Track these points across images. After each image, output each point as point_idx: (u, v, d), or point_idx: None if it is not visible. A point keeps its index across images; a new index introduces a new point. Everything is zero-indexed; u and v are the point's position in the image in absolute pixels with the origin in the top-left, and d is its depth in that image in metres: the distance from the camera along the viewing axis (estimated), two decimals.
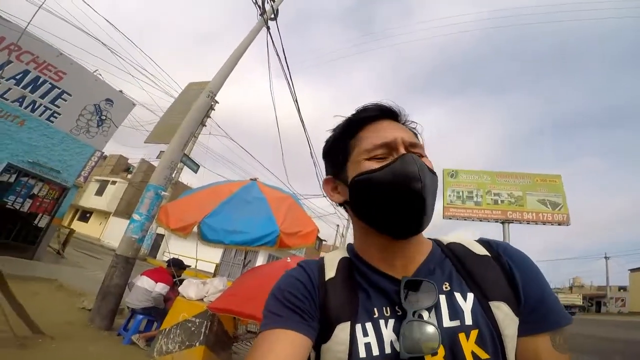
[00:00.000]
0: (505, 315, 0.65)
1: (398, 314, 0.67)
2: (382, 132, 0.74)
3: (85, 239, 23.53)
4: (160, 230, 22.52)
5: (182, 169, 15.48)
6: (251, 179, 5.43)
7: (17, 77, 8.74)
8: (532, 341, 0.65)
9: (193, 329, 4.08)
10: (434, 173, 0.72)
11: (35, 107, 9.23)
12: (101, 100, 10.93)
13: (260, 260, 21.28)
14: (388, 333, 0.65)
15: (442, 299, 0.67)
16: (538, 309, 0.68)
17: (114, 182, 30.73)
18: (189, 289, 4.38)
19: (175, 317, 4.25)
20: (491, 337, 0.63)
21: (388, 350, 0.63)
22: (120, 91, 11.84)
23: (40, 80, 9.28)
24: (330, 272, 0.76)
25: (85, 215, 31.66)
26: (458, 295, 0.68)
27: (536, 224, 19.32)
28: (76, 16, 10.97)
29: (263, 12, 7.86)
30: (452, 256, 0.76)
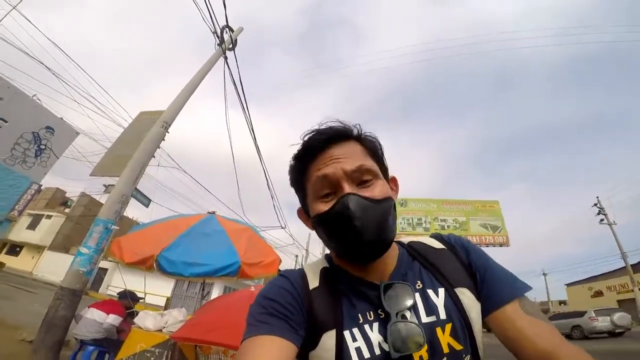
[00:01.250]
0: (469, 300, 0.74)
1: (381, 316, 0.72)
2: (324, 169, 0.74)
3: (15, 272, 22.23)
4: (103, 264, 21.36)
5: (128, 202, 14.74)
6: (209, 212, 5.36)
7: None
8: (502, 313, 0.72)
9: (152, 359, 3.99)
10: (380, 201, 0.73)
11: None
12: (41, 128, 10.11)
13: (216, 292, 20.80)
14: (375, 336, 0.69)
15: (417, 296, 0.74)
16: (493, 284, 0.76)
17: (49, 216, 29.72)
18: (146, 320, 4.26)
19: (132, 347, 4.11)
20: (462, 327, 0.71)
21: (377, 351, 0.67)
22: (61, 118, 11.00)
23: None
24: (314, 282, 0.79)
25: (14, 249, 29.99)
26: (431, 292, 0.75)
27: (480, 246, 20.82)
28: (13, 32, 10.01)
29: (221, 42, 7.92)
30: (416, 254, 0.84)
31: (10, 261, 25.96)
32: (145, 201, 12.64)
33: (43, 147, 10.26)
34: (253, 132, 9.35)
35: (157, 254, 4.11)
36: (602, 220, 25.36)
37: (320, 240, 0.83)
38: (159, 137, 6.71)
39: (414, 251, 0.85)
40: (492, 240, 22.22)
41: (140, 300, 6.19)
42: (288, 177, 0.88)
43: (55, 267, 20.97)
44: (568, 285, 36.35)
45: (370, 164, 0.77)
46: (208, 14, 7.04)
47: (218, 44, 7.89)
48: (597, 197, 25.97)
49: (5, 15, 5.54)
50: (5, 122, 9.14)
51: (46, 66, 10.44)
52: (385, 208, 0.74)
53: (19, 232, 28.62)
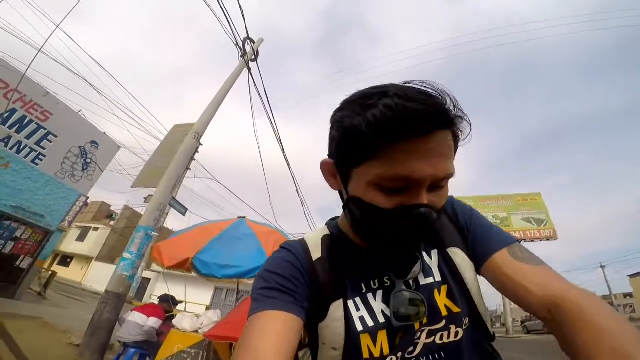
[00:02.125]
0: (462, 260, 0.74)
1: (386, 285, 0.72)
2: (411, 164, 0.56)
3: (66, 282, 23.36)
4: (146, 274, 22.33)
5: (167, 214, 15.32)
6: (239, 217, 5.57)
7: (4, 115, 8.41)
8: (491, 262, 0.70)
9: (189, 359, 4.10)
10: (440, 212, 0.65)
11: (21, 148, 9.00)
12: (86, 143, 10.80)
13: None
14: (377, 305, 0.70)
15: (420, 263, 0.73)
16: (480, 236, 0.76)
17: (95, 229, 31.17)
18: (183, 321, 4.43)
19: (169, 348, 4.25)
20: (458, 288, 0.71)
21: (381, 319, 0.69)
22: (104, 133, 11.68)
23: (27, 120, 9.05)
24: (316, 253, 0.78)
25: (65, 260, 31.47)
26: (425, 255, 0.76)
27: (525, 241, 19.77)
28: (59, 51, 10.60)
29: (244, 53, 8.19)
30: None
31: (62, 271, 27.00)
32: (182, 210, 13.11)
33: (89, 160, 10.89)
34: (280, 141, 9.43)
35: (192, 257, 4.31)
36: None
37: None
38: (192, 147, 7.07)
39: None
40: (538, 235, 21.14)
41: (180, 307, 6.42)
42: (332, 123, 0.70)
43: (102, 277, 21.93)
44: (631, 276, 33.76)
45: (453, 165, 0.62)
46: (229, 27, 7.35)
47: (241, 56, 8.15)
48: None
49: (50, 35, 5.97)
50: (56, 137, 9.81)
51: (89, 83, 10.93)
52: (440, 215, 0.67)
53: (69, 244, 30.17)
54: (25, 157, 9.16)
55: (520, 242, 0.73)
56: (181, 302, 6.21)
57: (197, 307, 14.70)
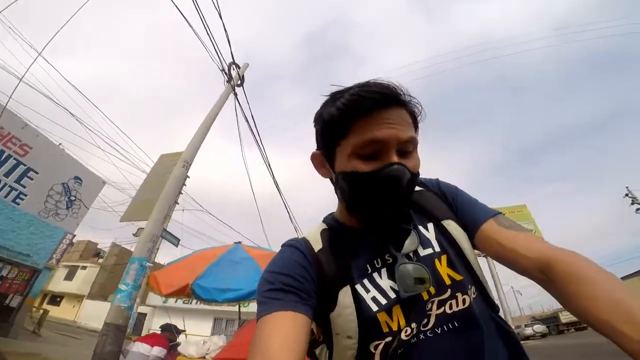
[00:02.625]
0: (456, 230, 0.79)
1: (388, 262, 0.75)
2: (378, 128, 0.69)
3: (59, 321, 22.94)
4: (142, 309, 21.77)
5: (157, 249, 14.99)
6: (235, 243, 5.54)
7: None
8: (481, 233, 0.77)
9: None
10: (415, 174, 0.73)
11: (0, 186, 8.61)
12: (70, 179, 10.48)
13: None
14: (385, 282, 0.73)
15: (413, 233, 0.77)
16: (467, 210, 0.83)
17: (84, 267, 31.00)
18: (189, 348, 4.46)
19: None
20: (457, 257, 0.75)
21: (392, 295, 0.71)
22: (87, 169, 11.35)
23: (4, 155, 8.61)
24: (317, 245, 0.81)
25: (55, 299, 31.11)
26: (422, 228, 0.80)
27: None
28: (39, 80, 10.02)
29: (230, 78, 8.12)
30: None
31: (53, 310, 26.85)
32: (175, 240, 12.94)
33: (73, 198, 10.55)
34: (270, 166, 9.27)
35: (192, 283, 4.29)
36: (638, 209, 24.24)
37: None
38: (181, 176, 6.93)
39: None
40: None
41: (181, 338, 6.32)
42: (314, 120, 0.83)
43: (96, 314, 21.52)
44: (622, 278, 34.63)
45: (414, 135, 0.74)
46: (215, 52, 7.28)
47: (227, 81, 8.08)
48: (627, 187, 24.91)
49: (32, 63, 5.85)
50: (37, 173, 9.43)
51: (71, 113, 10.41)
52: (416, 182, 0.76)
53: (58, 283, 29.67)
54: (6, 196, 8.81)
55: (502, 214, 0.80)
56: (183, 331, 6.13)
57: (197, 339, 14.42)
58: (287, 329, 0.62)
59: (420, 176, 0.87)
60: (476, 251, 0.81)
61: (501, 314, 0.80)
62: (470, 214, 0.82)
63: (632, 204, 24.60)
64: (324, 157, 0.82)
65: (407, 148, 0.72)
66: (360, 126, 0.70)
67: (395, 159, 0.69)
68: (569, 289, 0.57)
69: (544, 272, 0.63)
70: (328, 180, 0.87)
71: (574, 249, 0.62)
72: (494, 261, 0.82)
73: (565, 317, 31.02)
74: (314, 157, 0.86)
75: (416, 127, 0.77)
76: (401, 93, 0.71)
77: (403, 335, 0.67)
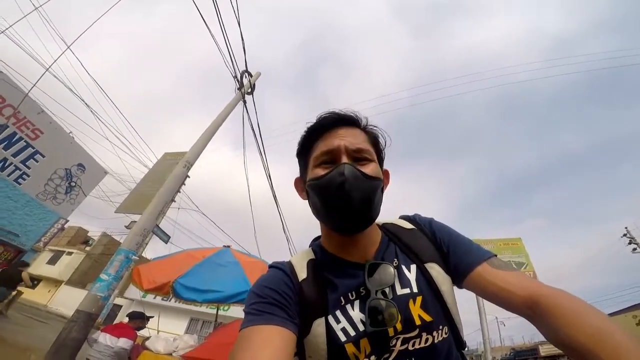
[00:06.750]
0: (438, 274, 0.82)
1: (362, 294, 0.79)
2: (330, 141, 0.85)
3: (30, 304, 22.24)
4: (118, 301, 21.48)
5: (146, 244, 14.94)
6: (224, 246, 5.62)
7: None
8: (475, 274, 0.79)
9: None
10: (370, 178, 0.80)
11: (6, 165, 8.79)
12: (73, 165, 10.62)
13: None
14: (356, 314, 0.77)
15: (392, 269, 0.80)
16: (460, 252, 0.85)
17: (70, 253, 30.46)
18: (157, 343, 4.39)
19: None
20: (432, 299, 0.79)
21: (361, 327, 0.75)
22: (92, 157, 11.47)
23: (16, 137, 8.87)
24: (302, 274, 0.85)
25: (32, 281, 29.81)
26: (404, 268, 0.83)
27: None
28: (62, 70, 9.90)
29: (241, 86, 8.24)
30: (391, 236, 0.92)
31: (27, 293, 26.34)
32: (165, 237, 12.87)
33: (73, 184, 10.63)
34: (270, 178, 9.33)
35: (173, 281, 4.31)
36: (635, 249, 24.24)
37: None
38: (181, 176, 7.06)
39: (389, 233, 0.93)
40: None
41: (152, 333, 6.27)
42: (296, 150, 0.97)
43: (70, 301, 21.02)
44: (610, 315, 34.04)
45: (369, 148, 0.87)
46: (230, 59, 7.33)
47: (238, 88, 8.20)
48: (626, 228, 24.94)
49: (60, 55, 6.09)
50: (43, 157, 9.61)
51: (87, 104, 10.45)
52: (375, 185, 0.81)
53: (39, 266, 29.08)
54: (9, 175, 8.97)
55: (496, 255, 0.84)
56: (151, 316, 6.10)
57: (170, 337, 14.18)
58: (277, 344, 0.65)
59: (417, 214, 1.02)
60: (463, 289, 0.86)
61: (480, 345, 0.88)
62: (464, 256, 0.84)
63: (630, 243, 24.54)
64: (302, 181, 0.94)
65: (360, 156, 0.84)
66: (320, 142, 0.87)
67: (344, 160, 0.81)
68: (554, 322, 0.60)
69: (531, 309, 0.66)
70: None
71: (563, 285, 0.70)
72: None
73: (545, 350, 30.56)
74: (295, 183, 0.99)
75: (377, 150, 0.92)
76: (356, 117, 0.90)
77: None
